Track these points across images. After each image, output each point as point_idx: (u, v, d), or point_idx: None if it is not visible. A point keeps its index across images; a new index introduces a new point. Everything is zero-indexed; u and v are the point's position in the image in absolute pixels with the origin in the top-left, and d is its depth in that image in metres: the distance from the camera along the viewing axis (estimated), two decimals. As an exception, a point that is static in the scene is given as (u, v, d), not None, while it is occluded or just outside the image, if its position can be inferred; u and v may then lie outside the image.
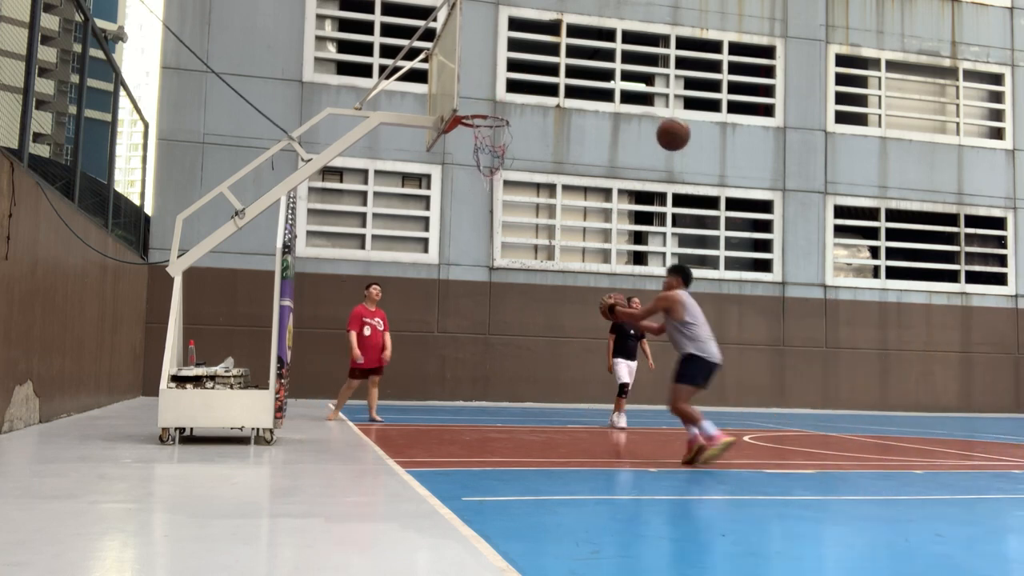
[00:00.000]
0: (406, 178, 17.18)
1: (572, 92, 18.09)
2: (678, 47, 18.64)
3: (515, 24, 17.79)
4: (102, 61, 12.90)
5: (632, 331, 11.54)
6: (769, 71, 19.15)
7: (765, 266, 18.68)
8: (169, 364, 7.71)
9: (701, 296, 18.55)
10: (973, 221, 19.98)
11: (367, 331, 11.31)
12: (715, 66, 18.80)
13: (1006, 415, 19.09)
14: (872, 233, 19.51)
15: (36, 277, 8.86)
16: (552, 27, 17.99)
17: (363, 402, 15.76)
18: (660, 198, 18.26)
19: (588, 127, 17.89)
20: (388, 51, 17.10)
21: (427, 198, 17.06)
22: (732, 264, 18.52)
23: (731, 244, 18.69)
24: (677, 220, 18.36)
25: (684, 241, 18.64)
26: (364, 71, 17.14)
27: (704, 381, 7.40)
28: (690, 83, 19.14)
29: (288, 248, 8.07)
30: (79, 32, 11.49)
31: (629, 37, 18.38)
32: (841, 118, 19.41)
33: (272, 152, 8.84)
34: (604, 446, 8.98)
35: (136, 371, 14.73)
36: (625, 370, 11.65)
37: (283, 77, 16.51)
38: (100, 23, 31.15)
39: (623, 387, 11.60)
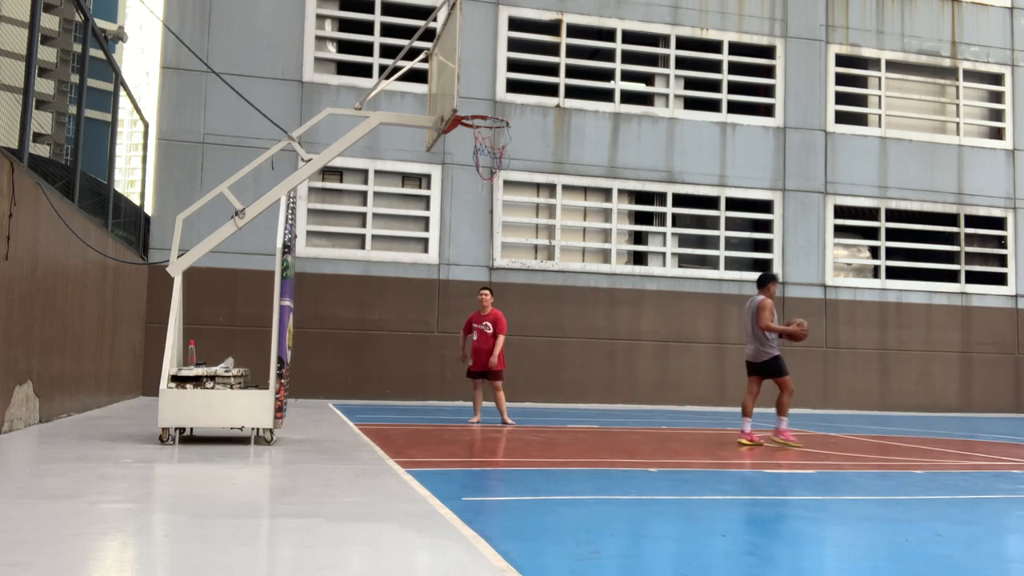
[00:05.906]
0: (406, 178, 17.18)
1: (572, 92, 18.08)
2: (678, 47, 18.63)
3: (515, 24, 17.78)
4: (102, 61, 12.90)
5: None
6: (769, 71, 19.14)
7: (765, 266, 18.66)
8: (169, 364, 7.72)
9: (701, 296, 18.72)
10: (973, 221, 19.97)
11: (474, 335, 11.74)
12: (715, 66, 18.79)
13: (1006, 415, 19.08)
14: (872, 233, 19.50)
15: (36, 277, 8.86)
16: (552, 27, 17.99)
17: (363, 402, 15.77)
18: (660, 198, 18.25)
19: (588, 127, 17.88)
20: (388, 51, 17.09)
21: (427, 198, 17.06)
22: (732, 264, 18.50)
23: (731, 244, 18.68)
24: (677, 220, 18.34)
25: (684, 241, 18.62)
26: (364, 71, 17.13)
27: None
28: (690, 83, 19.12)
29: (288, 248, 8.06)
30: (79, 32, 11.48)
31: (629, 37, 18.38)
32: (841, 118, 19.40)
33: (272, 152, 8.84)
34: (604, 446, 8.97)
35: (136, 371, 14.72)
36: None
37: (283, 77, 16.51)
38: (100, 23, 31.13)
39: None
